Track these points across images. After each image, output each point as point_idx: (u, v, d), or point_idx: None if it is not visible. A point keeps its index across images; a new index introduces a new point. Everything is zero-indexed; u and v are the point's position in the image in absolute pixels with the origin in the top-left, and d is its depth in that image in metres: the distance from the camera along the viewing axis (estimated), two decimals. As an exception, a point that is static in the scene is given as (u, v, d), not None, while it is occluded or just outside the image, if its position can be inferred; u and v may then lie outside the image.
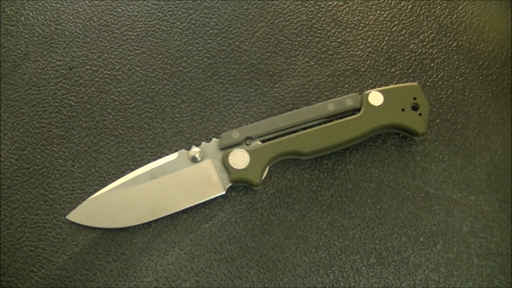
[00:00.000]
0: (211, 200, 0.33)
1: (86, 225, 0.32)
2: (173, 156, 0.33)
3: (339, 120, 0.34)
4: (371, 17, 0.40)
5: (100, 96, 0.36)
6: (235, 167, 0.32)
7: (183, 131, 0.35)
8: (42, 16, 0.39)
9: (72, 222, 0.32)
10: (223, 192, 0.32)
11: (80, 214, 0.32)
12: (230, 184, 0.32)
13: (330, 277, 0.31)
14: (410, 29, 0.39)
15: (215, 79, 0.37)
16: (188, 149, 0.34)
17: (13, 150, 0.34)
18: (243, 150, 0.32)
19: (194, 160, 0.32)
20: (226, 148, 0.33)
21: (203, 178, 0.32)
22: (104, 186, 0.33)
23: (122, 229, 0.32)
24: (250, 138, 0.33)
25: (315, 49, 0.38)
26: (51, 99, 0.36)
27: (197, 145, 0.34)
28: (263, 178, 0.32)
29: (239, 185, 0.33)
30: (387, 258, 0.32)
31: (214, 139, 0.33)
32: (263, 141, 0.33)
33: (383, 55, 0.38)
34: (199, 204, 0.33)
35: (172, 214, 0.32)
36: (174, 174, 0.32)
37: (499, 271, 0.33)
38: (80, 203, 0.32)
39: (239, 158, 0.32)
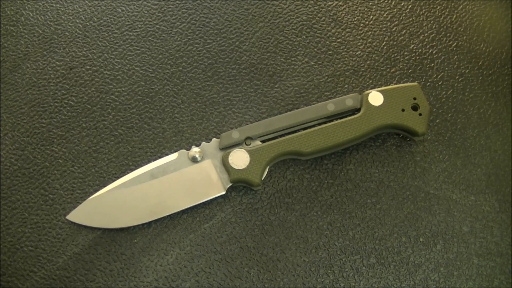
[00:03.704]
0: (211, 200, 0.33)
1: (86, 225, 0.32)
2: (173, 156, 0.33)
3: (339, 120, 0.34)
4: (371, 17, 0.40)
5: (100, 96, 0.36)
6: (235, 167, 0.32)
7: (183, 131, 0.35)
8: (42, 16, 0.39)
9: (72, 222, 0.32)
10: (223, 192, 0.32)
11: (80, 214, 0.32)
12: (230, 184, 0.32)
13: (330, 277, 0.31)
14: (410, 29, 0.39)
15: (215, 79, 0.37)
16: (188, 149, 0.34)
17: (13, 150, 0.34)
18: (243, 150, 0.32)
19: (194, 160, 0.32)
20: (226, 148, 0.33)
21: (203, 178, 0.32)
22: (104, 186, 0.33)
23: (122, 229, 0.32)
24: (250, 138, 0.33)
25: (315, 49, 0.38)
26: (51, 99, 0.36)
27: (197, 145, 0.34)
28: (263, 178, 0.32)
29: (239, 185, 0.33)
30: (387, 258, 0.32)
31: (214, 139, 0.33)
32: (263, 141, 0.33)
33: (383, 55, 0.38)
34: (199, 204, 0.32)
35: (172, 214, 0.32)
36: (174, 174, 0.32)
37: (499, 271, 0.33)
38: (80, 203, 0.32)
39: (239, 158, 0.32)
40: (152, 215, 0.32)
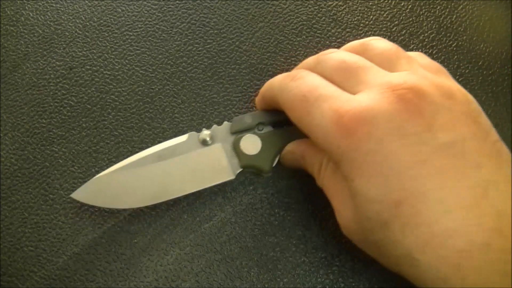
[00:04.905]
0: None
1: (90, 204, 0.31)
2: (182, 138, 0.32)
3: None
4: (371, 17, 0.40)
5: (100, 96, 0.36)
6: (246, 153, 0.31)
7: (183, 131, 0.35)
8: (42, 16, 0.39)
9: (73, 221, 0.32)
10: (233, 177, 0.31)
11: (85, 193, 0.31)
12: (240, 170, 0.31)
13: (330, 277, 0.31)
14: (410, 29, 0.39)
15: (215, 79, 0.37)
16: (199, 131, 0.33)
17: (13, 150, 0.34)
18: (255, 135, 0.32)
19: (204, 143, 0.32)
20: (238, 132, 0.32)
21: (212, 162, 0.31)
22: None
23: (123, 231, 0.32)
24: (262, 124, 0.32)
25: (315, 49, 0.38)
26: (51, 99, 0.36)
27: (208, 127, 0.33)
28: (274, 165, 0.32)
29: (249, 171, 0.32)
30: (387, 258, 0.32)
31: (225, 122, 0.33)
32: (275, 127, 0.32)
33: (383, 55, 0.38)
34: (207, 189, 0.32)
35: (172, 214, 0.32)
36: (183, 156, 0.31)
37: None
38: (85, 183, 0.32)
39: (251, 144, 0.31)
40: (159, 197, 0.31)
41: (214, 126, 0.33)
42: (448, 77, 0.28)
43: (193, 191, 0.31)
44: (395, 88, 0.24)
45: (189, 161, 0.31)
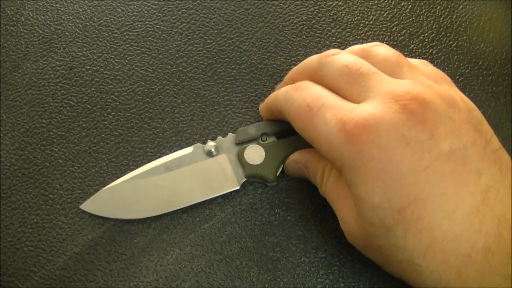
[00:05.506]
0: (225, 194, 0.33)
1: (99, 215, 0.32)
2: (188, 150, 0.33)
3: None
4: (371, 17, 0.40)
5: (100, 96, 0.36)
6: (251, 163, 0.32)
7: (183, 131, 0.35)
8: (42, 16, 0.39)
9: (73, 221, 0.32)
10: (238, 187, 0.32)
11: (94, 204, 0.32)
12: (245, 180, 0.32)
13: (330, 277, 0.31)
14: (410, 29, 0.39)
15: (215, 79, 0.37)
16: (204, 143, 0.34)
17: (13, 150, 0.34)
18: (258, 145, 0.33)
19: (209, 154, 0.33)
20: (242, 143, 0.33)
21: (218, 172, 0.32)
22: (104, 186, 0.33)
23: (123, 231, 0.32)
24: (266, 134, 0.33)
25: (315, 49, 0.38)
26: (51, 99, 0.36)
27: (213, 139, 0.34)
28: (277, 174, 0.33)
29: (254, 180, 0.33)
30: (387, 258, 0.32)
31: (230, 134, 0.34)
32: (278, 138, 0.33)
33: (383, 55, 0.38)
34: (212, 199, 0.32)
35: (172, 214, 0.32)
36: (189, 167, 0.32)
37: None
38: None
39: (255, 154, 0.32)
40: (166, 207, 0.32)
41: (219, 137, 0.34)
42: (451, 85, 0.28)
43: (199, 201, 0.32)
44: (398, 98, 0.24)
45: (196, 172, 0.32)
